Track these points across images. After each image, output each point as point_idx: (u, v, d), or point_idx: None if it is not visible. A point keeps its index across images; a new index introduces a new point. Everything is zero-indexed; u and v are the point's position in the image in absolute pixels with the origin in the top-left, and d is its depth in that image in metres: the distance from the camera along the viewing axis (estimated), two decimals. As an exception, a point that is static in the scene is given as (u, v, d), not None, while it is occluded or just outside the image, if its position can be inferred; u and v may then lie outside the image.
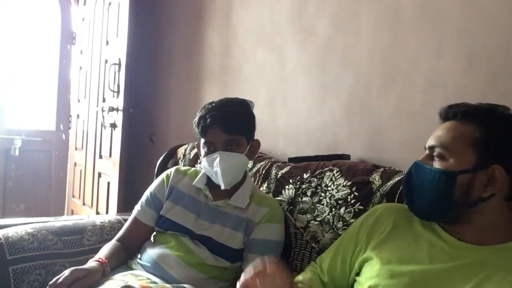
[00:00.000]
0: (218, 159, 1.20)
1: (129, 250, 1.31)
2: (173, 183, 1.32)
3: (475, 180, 0.81)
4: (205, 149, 1.24)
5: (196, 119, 1.25)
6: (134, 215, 1.33)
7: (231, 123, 1.22)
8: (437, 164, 0.85)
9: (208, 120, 1.21)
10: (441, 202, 0.83)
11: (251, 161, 1.49)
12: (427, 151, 0.88)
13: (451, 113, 0.87)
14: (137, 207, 1.34)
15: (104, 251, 1.23)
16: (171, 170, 1.37)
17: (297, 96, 1.68)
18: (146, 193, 1.35)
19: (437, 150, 0.85)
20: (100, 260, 1.15)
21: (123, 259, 1.27)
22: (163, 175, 1.36)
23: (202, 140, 1.24)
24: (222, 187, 1.22)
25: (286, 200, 1.34)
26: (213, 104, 1.25)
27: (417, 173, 0.88)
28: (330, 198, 1.23)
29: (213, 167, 1.21)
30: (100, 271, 1.12)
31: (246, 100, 1.29)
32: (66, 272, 1.05)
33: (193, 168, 1.40)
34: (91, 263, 1.14)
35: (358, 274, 0.95)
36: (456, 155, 0.82)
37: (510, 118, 0.83)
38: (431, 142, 0.87)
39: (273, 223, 1.23)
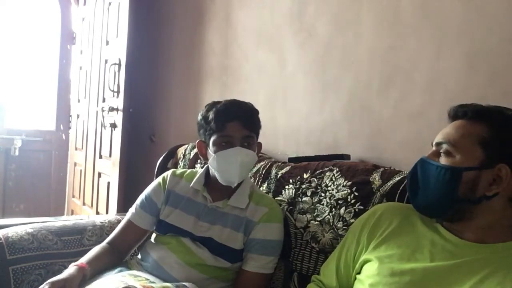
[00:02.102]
0: (238, 155, 1.18)
1: (120, 253, 1.30)
2: (170, 187, 1.31)
3: (481, 178, 0.81)
4: (219, 144, 1.20)
5: (211, 114, 1.21)
6: (128, 218, 1.31)
7: (251, 119, 1.23)
8: (443, 161, 0.85)
9: (229, 114, 1.19)
10: (446, 197, 0.84)
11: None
12: (434, 148, 0.89)
13: (460, 112, 0.88)
14: (132, 210, 1.32)
15: (89, 255, 1.22)
16: (167, 174, 1.35)
17: (297, 96, 1.68)
18: (141, 196, 1.33)
19: (444, 147, 0.85)
20: (79, 265, 1.14)
21: (110, 262, 1.24)
22: (159, 179, 1.35)
23: (216, 135, 1.20)
24: (235, 184, 1.22)
25: (286, 200, 1.34)
26: (228, 102, 1.24)
27: (423, 169, 0.88)
28: (330, 198, 1.23)
29: (229, 162, 1.19)
30: (78, 277, 1.10)
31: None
32: (46, 287, 1.03)
33: (189, 170, 1.39)
34: (70, 269, 1.12)
35: (359, 273, 0.96)
36: (463, 152, 0.83)
37: None
38: (439, 138, 0.88)
39: (272, 222, 1.23)
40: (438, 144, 0.87)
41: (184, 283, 1.13)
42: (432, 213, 0.90)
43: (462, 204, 0.83)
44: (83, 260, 1.19)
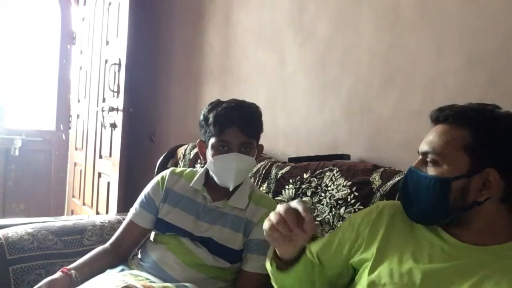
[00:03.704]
0: (234, 161, 1.17)
1: (122, 254, 1.30)
2: (169, 185, 1.31)
3: (470, 185, 0.80)
4: (217, 148, 1.20)
5: (211, 117, 1.20)
6: (130, 218, 1.31)
7: (250, 125, 1.21)
8: (431, 171, 0.84)
9: (228, 119, 1.18)
10: (437, 208, 0.83)
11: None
12: (420, 156, 0.88)
13: (441, 116, 0.86)
14: (132, 211, 1.32)
15: (83, 258, 1.23)
16: (166, 172, 1.35)
17: (297, 96, 1.68)
18: (141, 196, 1.33)
19: (430, 156, 0.85)
20: (63, 270, 1.14)
21: (108, 263, 1.24)
22: (158, 177, 1.34)
23: (215, 139, 1.20)
24: (231, 189, 1.21)
25: (286, 200, 1.34)
26: (231, 104, 1.21)
27: (412, 180, 0.88)
28: (330, 198, 1.23)
29: (225, 168, 1.19)
30: (62, 281, 1.11)
31: (256, 104, 1.27)
32: None
33: (189, 169, 1.38)
34: (55, 274, 1.13)
35: (356, 271, 0.95)
36: (449, 160, 0.82)
37: (501, 119, 0.83)
38: (423, 147, 0.87)
39: (272, 223, 1.23)
40: (424, 154, 0.86)
41: (184, 283, 1.13)
42: (427, 222, 0.89)
43: (455, 212, 0.82)
44: (73, 264, 1.19)
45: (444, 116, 0.86)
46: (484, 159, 0.80)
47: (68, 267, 1.17)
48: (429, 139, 0.86)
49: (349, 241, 0.97)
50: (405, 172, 0.90)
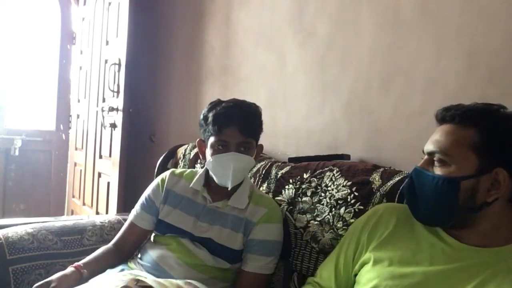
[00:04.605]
0: (232, 161, 1.18)
1: (124, 254, 1.31)
2: (169, 186, 1.31)
3: (479, 184, 0.80)
4: (215, 147, 1.20)
5: (210, 116, 1.21)
6: (131, 220, 1.33)
7: (249, 125, 1.21)
8: (438, 170, 0.83)
9: (227, 119, 1.18)
10: (446, 208, 0.82)
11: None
12: (426, 156, 0.87)
13: (448, 116, 0.85)
14: (133, 212, 1.34)
15: (90, 256, 1.25)
16: (166, 174, 1.36)
17: (297, 96, 1.68)
18: (142, 198, 1.34)
19: (437, 156, 0.83)
20: (75, 266, 1.17)
21: (112, 262, 1.26)
22: (158, 179, 1.35)
23: (213, 138, 1.20)
24: (229, 188, 1.21)
25: (286, 200, 1.34)
26: (230, 104, 1.22)
27: (419, 180, 0.86)
28: (330, 198, 1.23)
29: (223, 167, 1.19)
30: (71, 277, 1.13)
31: (256, 104, 1.28)
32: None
33: (189, 170, 1.39)
34: (66, 270, 1.15)
35: (356, 275, 0.95)
36: (457, 160, 0.81)
37: (507, 119, 0.82)
38: (430, 147, 0.85)
39: (272, 223, 1.23)
40: (430, 153, 0.85)
41: (191, 281, 1.13)
42: (434, 223, 0.88)
43: (464, 213, 0.81)
44: (82, 261, 1.21)
45: (451, 115, 0.84)
46: (493, 159, 0.79)
47: (81, 263, 1.18)
48: (435, 138, 0.85)
49: (352, 253, 0.98)
50: (410, 172, 0.89)
